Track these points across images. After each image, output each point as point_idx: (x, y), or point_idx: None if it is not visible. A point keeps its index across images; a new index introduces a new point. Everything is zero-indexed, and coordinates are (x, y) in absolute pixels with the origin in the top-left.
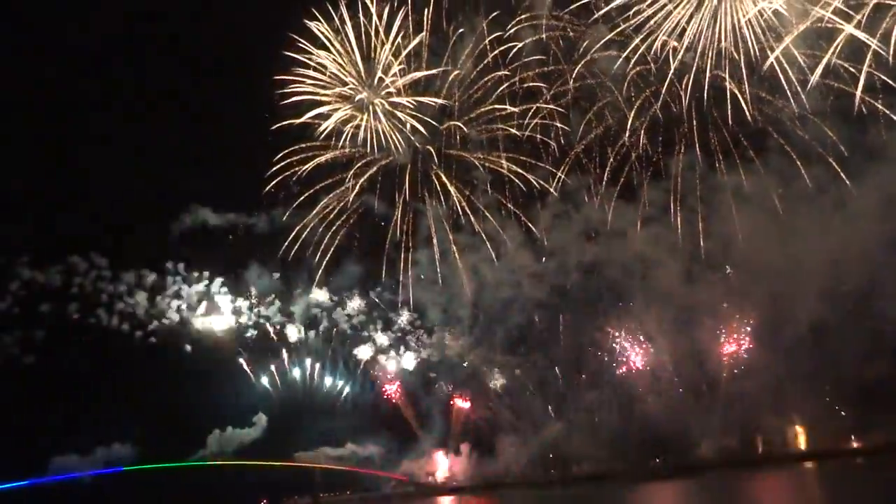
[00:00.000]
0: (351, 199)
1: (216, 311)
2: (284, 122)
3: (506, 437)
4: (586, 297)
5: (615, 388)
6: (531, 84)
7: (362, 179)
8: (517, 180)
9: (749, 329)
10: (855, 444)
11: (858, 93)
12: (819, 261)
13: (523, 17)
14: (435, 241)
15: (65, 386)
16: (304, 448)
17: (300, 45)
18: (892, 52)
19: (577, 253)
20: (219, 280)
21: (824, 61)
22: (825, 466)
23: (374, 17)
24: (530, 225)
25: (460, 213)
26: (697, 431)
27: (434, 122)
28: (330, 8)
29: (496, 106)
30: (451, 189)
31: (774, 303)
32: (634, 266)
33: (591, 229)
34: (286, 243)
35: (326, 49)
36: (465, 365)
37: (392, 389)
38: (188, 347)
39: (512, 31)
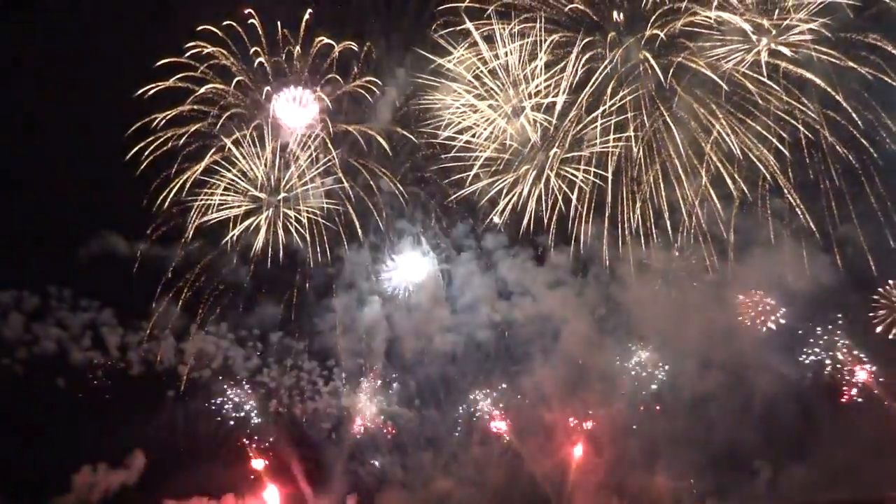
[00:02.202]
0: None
1: (102, 344)
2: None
3: (392, 492)
4: (488, 356)
5: (505, 446)
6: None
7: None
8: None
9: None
10: None
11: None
12: (701, 333)
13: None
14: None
15: None
16: (177, 496)
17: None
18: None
19: (486, 311)
20: (109, 311)
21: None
22: None
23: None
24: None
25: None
26: (572, 490)
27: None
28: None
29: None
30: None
31: (660, 369)
32: (537, 328)
33: (503, 290)
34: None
35: None
36: (358, 416)
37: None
38: (61, 380)
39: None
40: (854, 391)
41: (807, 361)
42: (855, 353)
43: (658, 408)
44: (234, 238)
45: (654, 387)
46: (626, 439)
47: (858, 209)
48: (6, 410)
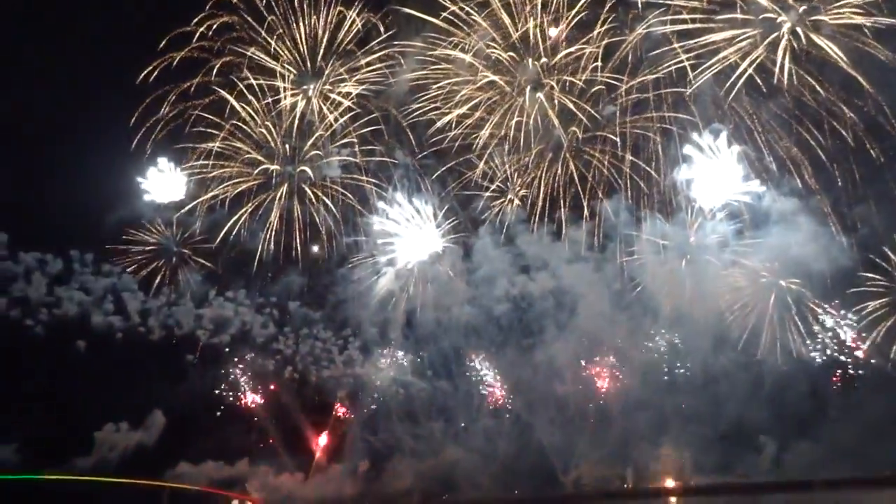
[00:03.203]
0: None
1: (122, 308)
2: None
3: (402, 460)
4: (502, 328)
5: (515, 417)
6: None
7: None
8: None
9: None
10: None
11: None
12: (714, 309)
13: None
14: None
15: None
16: (193, 460)
17: None
18: None
19: (503, 284)
20: (128, 277)
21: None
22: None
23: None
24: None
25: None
26: (577, 462)
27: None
28: None
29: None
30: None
31: (671, 343)
32: (552, 302)
33: (520, 264)
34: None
35: None
36: (372, 385)
37: (251, 399)
38: (82, 343)
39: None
40: (860, 371)
41: (817, 341)
42: (863, 333)
43: (669, 382)
44: (252, 208)
45: (666, 362)
46: (636, 412)
47: (875, 192)
48: (29, 371)
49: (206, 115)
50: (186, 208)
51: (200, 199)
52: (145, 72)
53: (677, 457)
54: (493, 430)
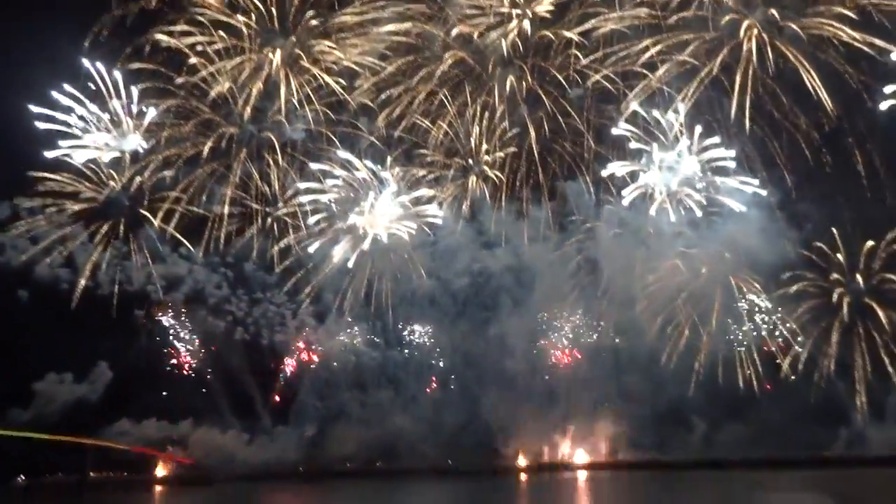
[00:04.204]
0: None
1: (70, 261)
2: None
3: (348, 426)
4: (457, 301)
5: (462, 389)
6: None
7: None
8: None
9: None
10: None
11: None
12: (664, 294)
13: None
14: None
15: None
16: (135, 417)
17: None
18: None
19: (463, 260)
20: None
21: None
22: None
23: None
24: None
25: None
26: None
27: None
28: None
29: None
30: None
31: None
32: (509, 279)
33: (481, 240)
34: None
35: None
36: (322, 352)
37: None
38: (25, 293)
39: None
40: (790, 360)
41: (753, 330)
42: (795, 326)
43: (614, 362)
44: (211, 170)
45: (613, 342)
46: (578, 389)
47: (821, 189)
48: None
49: (164, 71)
50: (142, 164)
51: (155, 156)
52: (100, 25)
53: (614, 433)
54: (441, 401)
